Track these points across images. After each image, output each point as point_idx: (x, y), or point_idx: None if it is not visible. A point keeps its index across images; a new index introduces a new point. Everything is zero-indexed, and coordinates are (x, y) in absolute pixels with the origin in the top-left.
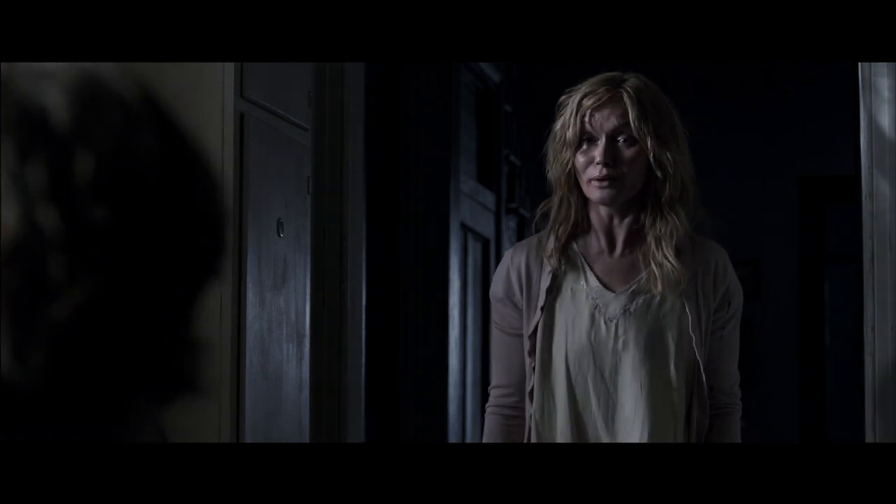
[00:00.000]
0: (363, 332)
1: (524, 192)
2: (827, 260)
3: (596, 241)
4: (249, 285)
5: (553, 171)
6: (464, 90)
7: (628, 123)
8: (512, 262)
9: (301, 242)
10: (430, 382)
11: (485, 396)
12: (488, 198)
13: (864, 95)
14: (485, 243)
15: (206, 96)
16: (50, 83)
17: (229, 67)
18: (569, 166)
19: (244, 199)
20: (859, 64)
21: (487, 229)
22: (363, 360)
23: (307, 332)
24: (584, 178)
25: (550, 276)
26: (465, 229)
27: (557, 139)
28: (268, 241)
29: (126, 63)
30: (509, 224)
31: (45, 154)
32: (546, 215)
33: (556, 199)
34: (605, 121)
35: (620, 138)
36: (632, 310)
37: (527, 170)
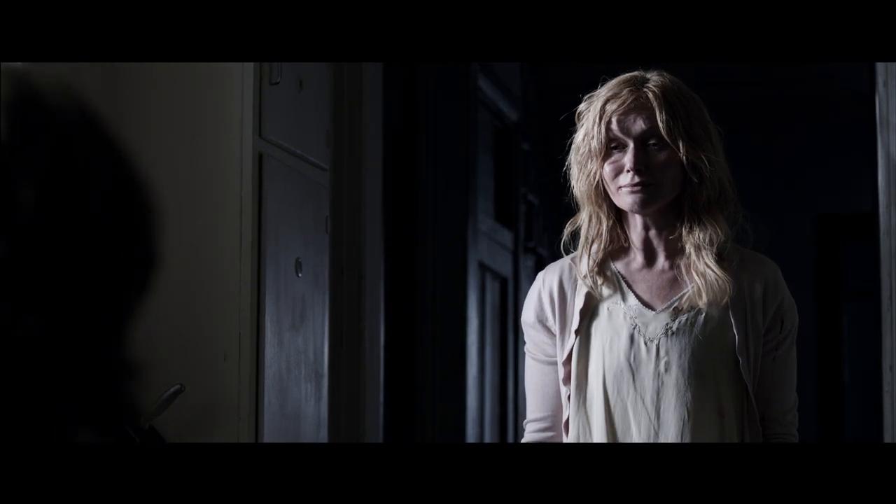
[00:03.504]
0: (381, 371)
1: (542, 230)
2: (844, 297)
3: (635, 258)
4: (268, 324)
5: (579, 186)
6: (481, 128)
7: (657, 126)
8: (543, 283)
9: (319, 282)
10: (449, 421)
11: (502, 435)
12: (506, 237)
13: (881, 133)
14: (503, 282)
15: (225, 136)
16: None
17: (248, 107)
18: (597, 178)
19: (262, 239)
20: (876, 102)
21: (505, 268)
22: (381, 399)
23: (325, 371)
24: (613, 188)
25: (585, 296)
26: (483, 268)
27: (581, 150)
28: (286, 281)
29: (67, 78)
30: (527, 263)
31: None
32: (575, 235)
33: (584, 216)
34: (633, 125)
35: (651, 142)
36: (674, 328)
37: (545, 208)
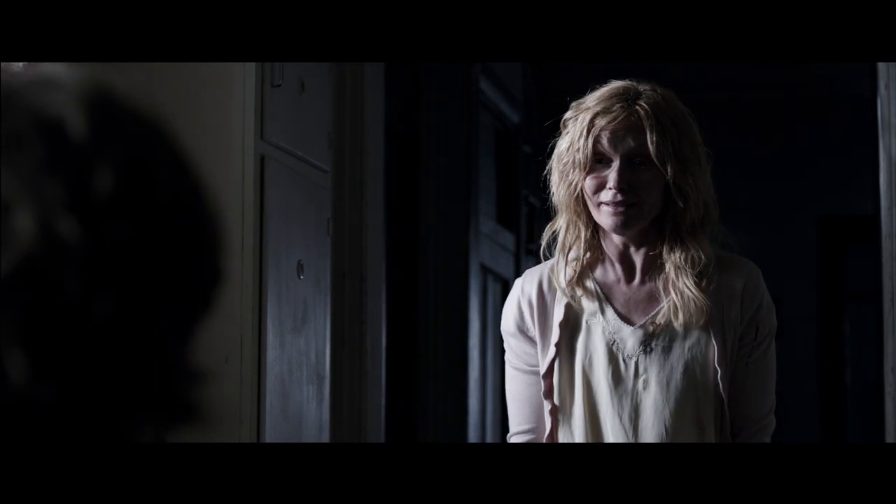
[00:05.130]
0: (383, 373)
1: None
2: (846, 300)
3: (612, 271)
4: (269, 327)
5: (559, 193)
6: (482, 131)
7: (647, 145)
8: (522, 292)
9: (321, 284)
10: (450, 424)
11: (504, 437)
12: (508, 239)
13: (883, 135)
14: (504, 284)
15: (227, 138)
16: (61, 94)
17: (249, 109)
18: (577, 189)
19: (264, 241)
20: (878, 104)
21: (507, 270)
22: (383, 401)
23: (327, 373)
24: (593, 203)
25: (564, 308)
26: (485, 270)
27: (565, 160)
28: (288, 283)
29: (137, 80)
30: (529, 265)
31: (63, 166)
32: (554, 241)
33: (562, 223)
34: (621, 142)
35: (637, 160)
36: (653, 345)
37: (546, 210)
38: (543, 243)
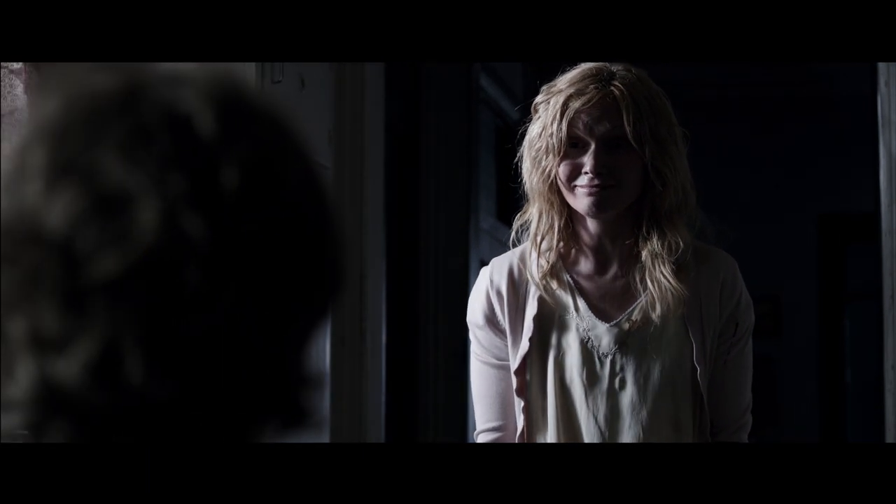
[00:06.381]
0: (383, 370)
1: None
2: (846, 298)
3: (586, 263)
4: None
5: (531, 181)
6: (483, 128)
7: (623, 127)
8: (491, 282)
9: None
10: (451, 421)
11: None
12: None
13: (883, 133)
14: None
15: None
16: (190, 91)
17: None
18: (551, 176)
19: None
20: (878, 101)
21: None
22: (383, 398)
23: (327, 371)
24: (568, 187)
25: (538, 302)
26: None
27: (537, 145)
28: None
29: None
30: None
31: (190, 161)
32: (525, 230)
33: (534, 212)
34: (597, 124)
35: (613, 143)
36: (629, 342)
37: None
38: (514, 233)
